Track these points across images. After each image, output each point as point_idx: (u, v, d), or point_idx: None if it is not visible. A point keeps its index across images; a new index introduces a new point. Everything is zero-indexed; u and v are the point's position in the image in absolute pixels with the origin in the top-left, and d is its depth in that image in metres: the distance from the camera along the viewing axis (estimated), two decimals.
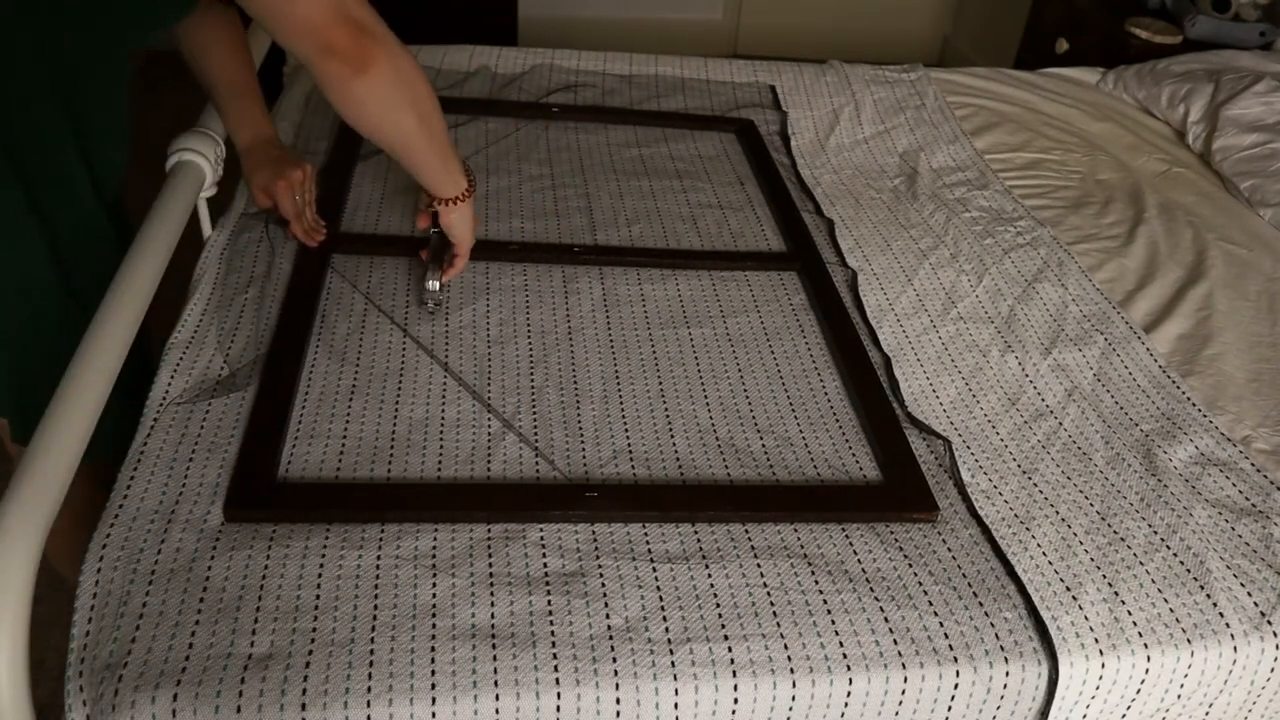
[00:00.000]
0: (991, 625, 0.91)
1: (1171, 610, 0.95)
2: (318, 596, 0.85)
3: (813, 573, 0.94)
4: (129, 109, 1.13)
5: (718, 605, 0.89)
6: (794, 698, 0.85)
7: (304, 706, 0.77)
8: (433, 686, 0.79)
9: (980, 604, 0.93)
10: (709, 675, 0.83)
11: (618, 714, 0.82)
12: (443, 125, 1.08)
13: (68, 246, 1.04)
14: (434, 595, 0.87)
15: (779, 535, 0.98)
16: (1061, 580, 0.97)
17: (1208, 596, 0.97)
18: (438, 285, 1.20)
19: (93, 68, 0.99)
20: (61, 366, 0.89)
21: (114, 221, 1.16)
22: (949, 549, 0.99)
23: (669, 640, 0.85)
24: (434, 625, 0.84)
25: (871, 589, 0.93)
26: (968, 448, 1.13)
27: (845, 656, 0.86)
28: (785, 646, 0.86)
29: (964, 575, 0.96)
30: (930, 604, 0.92)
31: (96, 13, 0.96)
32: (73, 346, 0.91)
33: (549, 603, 0.87)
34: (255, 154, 1.27)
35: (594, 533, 0.95)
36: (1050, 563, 0.99)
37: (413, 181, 1.21)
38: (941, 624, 0.91)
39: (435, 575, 0.88)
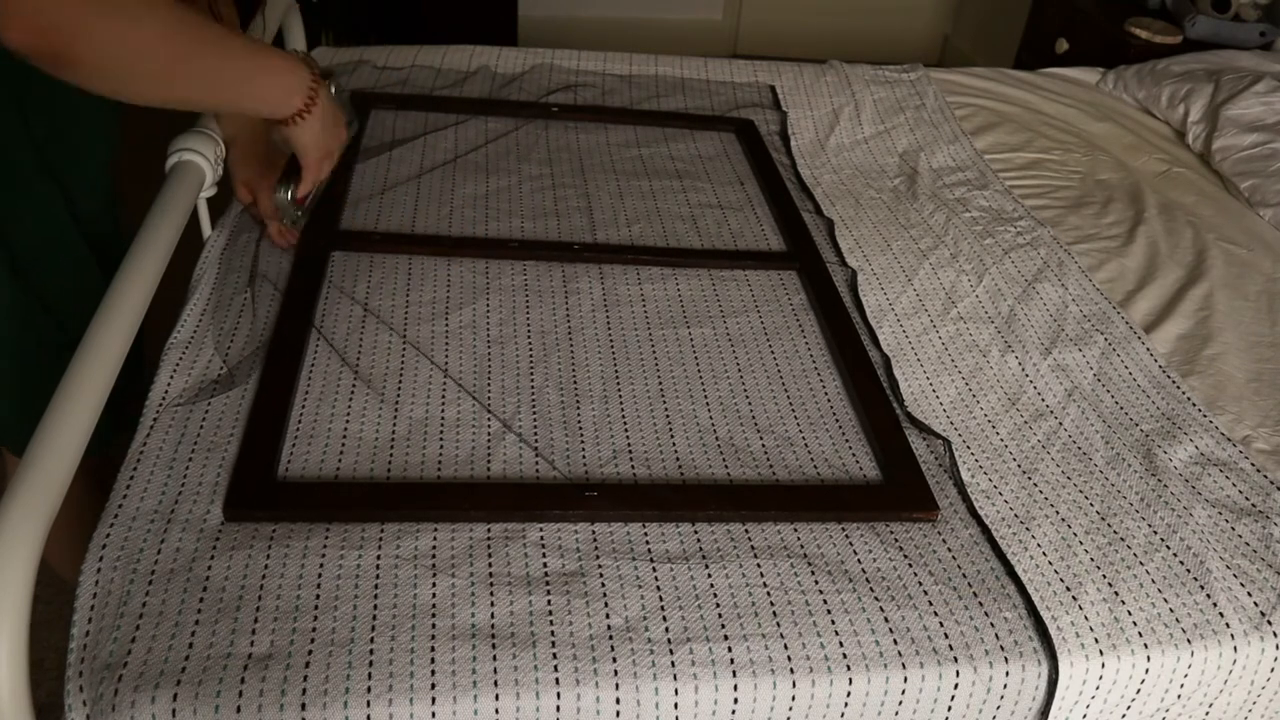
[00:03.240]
0: (991, 625, 0.91)
1: (1171, 610, 0.95)
2: (318, 596, 0.85)
3: (813, 573, 0.94)
4: (108, 123, 1.11)
5: (718, 605, 0.89)
6: (794, 698, 0.85)
7: (304, 706, 0.77)
8: (433, 686, 0.79)
9: (980, 604, 0.93)
10: (709, 675, 0.83)
11: (618, 714, 0.82)
12: (244, 52, 0.90)
13: (32, 262, 1.03)
14: (434, 595, 0.87)
15: (779, 535, 0.98)
16: (1061, 580, 0.97)
17: (1208, 596, 0.97)
18: (287, 196, 1.12)
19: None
20: (34, 378, 0.87)
21: (105, 227, 1.15)
22: (949, 549, 0.99)
23: (669, 640, 0.85)
24: (434, 625, 0.84)
25: (871, 589, 0.93)
26: (968, 448, 1.13)
27: (845, 656, 0.86)
28: (785, 646, 0.86)
29: (964, 575, 0.96)
30: (930, 604, 0.92)
31: None
32: (44, 359, 0.89)
33: (549, 603, 0.87)
34: (242, 145, 1.25)
35: (594, 533, 0.95)
36: (1050, 563, 0.99)
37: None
38: (941, 624, 0.91)
39: (435, 575, 0.88)
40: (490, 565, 0.90)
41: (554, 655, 0.83)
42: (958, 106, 2.01)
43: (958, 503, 1.05)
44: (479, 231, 1.41)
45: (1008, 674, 0.88)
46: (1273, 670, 0.96)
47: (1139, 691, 0.93)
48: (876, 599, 0.92)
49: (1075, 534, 1.03)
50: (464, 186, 1.51)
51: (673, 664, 0.84)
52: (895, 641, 0.88)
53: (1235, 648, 0.94)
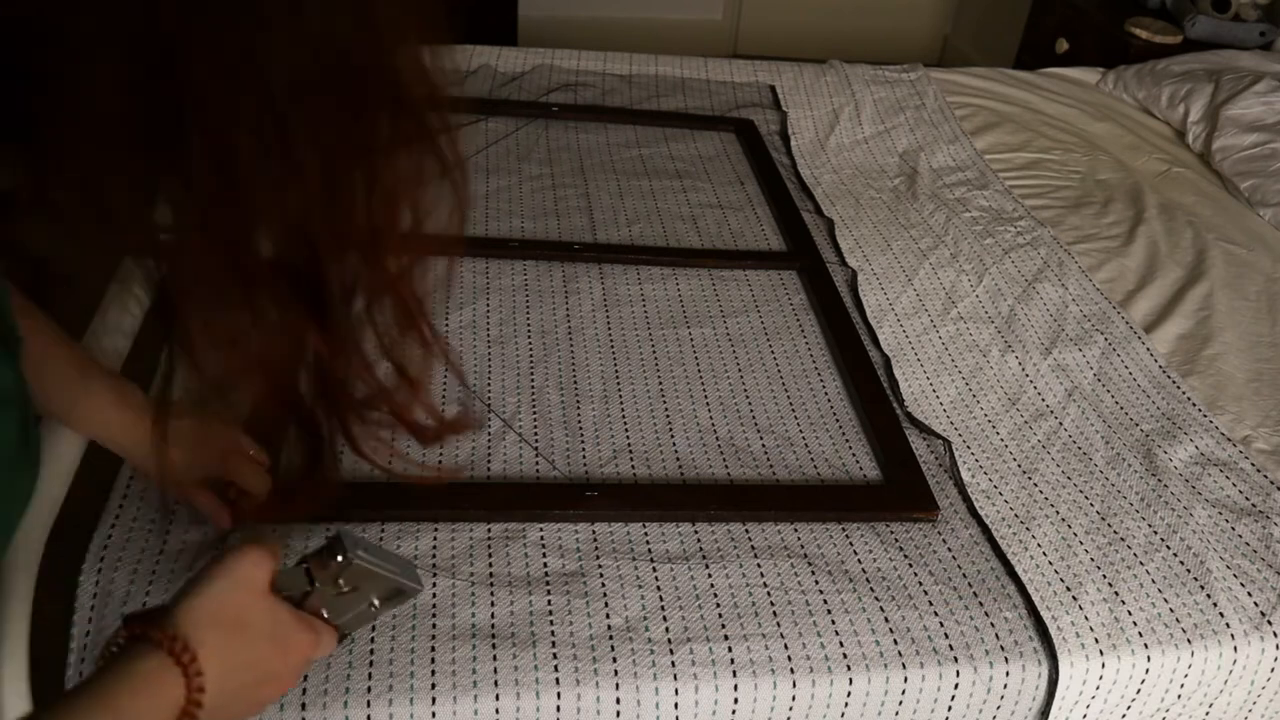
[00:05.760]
0: (991, 625, 0.91)
1: (1171, 610, 0.95)
2: None
3: (813, 573, 0.94)
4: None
5: (718, 605, 0.89)
6: (794, 698, 0.85)
7: (304, 706, 0.77)
8: (433, 686, 0.79)
9: (980, 604, 0.93)
10: (709, 675, 0.83)
11: (618, 714, 0.82)
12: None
13: None
14: (434, 595, 0.87)
15: (779, 535, 0.98)
16: (1061, 580, 0.97)
17: (1208, 596, 0.97)
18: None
19: None
20: None
21: None
22: (949, 549, 0.99)
23: (669, 640, 0.85)
24: (434, 625, 0.84)
25: (871, 589, 0.93)
26: (968, 448, 1.13)
27: (845, 656, 0.86)
28: (785, 646, 0.86)
29: (964, 575, 0.96)
30: (930, 604, 0.92)
31: None
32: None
33: (549, 603, 0.87)
34: (187, 432, 0.80)
35: (594, 533, 0.95)
36: (1050, 563, 0.99)
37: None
38: (941, 624, 0.90)
39: (435, 575, 0.88)
40: (490, 565, 0.90)
41: (554, 655, 0.83)
42: (958, 106, 2.01)
43: (958, 503, 1.05)
44: (479, 231, 1.41)
45: (1008, 674, 0.88)
46: (1273, 670, 0.96)
47: (1139, 691, 0.93)
48: (877, 599, 0.92)
49: (1075, 534, 1.03)
50: None
51: (673, 664, 0.84)
52: (895, 641, 0.88)
53: (1235, 648, 0.94)
